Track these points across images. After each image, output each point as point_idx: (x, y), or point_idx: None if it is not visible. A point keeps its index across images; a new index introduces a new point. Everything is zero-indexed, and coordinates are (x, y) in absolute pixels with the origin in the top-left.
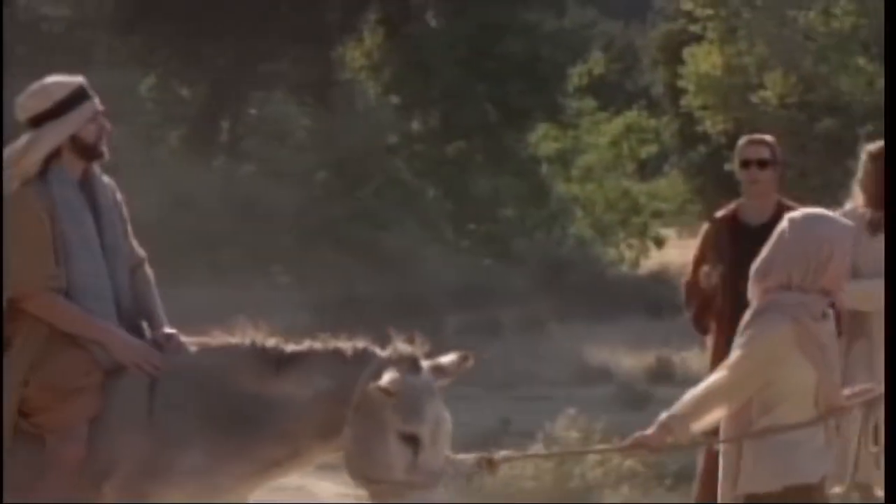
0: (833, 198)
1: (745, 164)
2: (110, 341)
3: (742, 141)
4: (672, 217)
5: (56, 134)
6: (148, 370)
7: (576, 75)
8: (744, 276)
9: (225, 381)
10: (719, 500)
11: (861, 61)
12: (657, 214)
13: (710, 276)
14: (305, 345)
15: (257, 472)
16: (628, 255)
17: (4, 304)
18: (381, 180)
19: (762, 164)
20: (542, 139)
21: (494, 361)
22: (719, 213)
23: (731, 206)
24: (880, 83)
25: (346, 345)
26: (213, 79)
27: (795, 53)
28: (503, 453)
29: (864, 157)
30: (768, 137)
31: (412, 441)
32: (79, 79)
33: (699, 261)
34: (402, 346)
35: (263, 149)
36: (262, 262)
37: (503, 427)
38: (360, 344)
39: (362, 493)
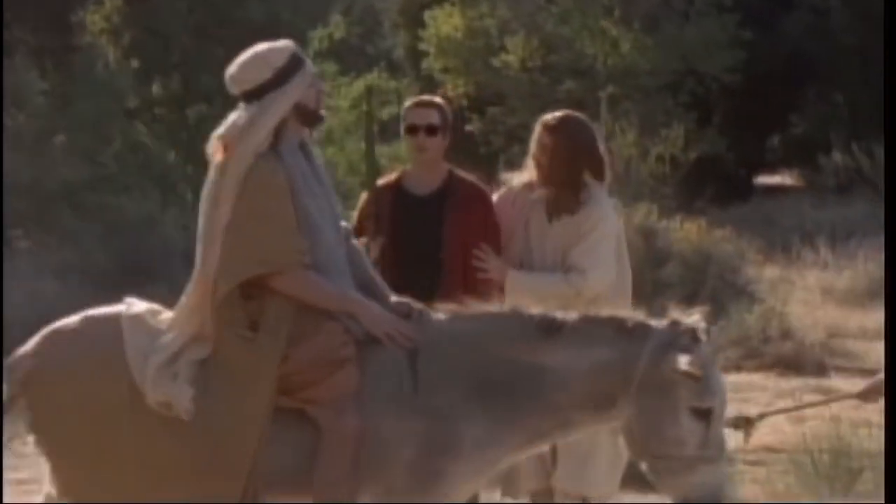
0: None
1: (412, 129)
2: (362, 313)
3: (408, 103)
4: None
5: (282, 103)
6: (401, 341)
7: (316, 39)
8: (407, 250)
9: (489, 349)
10: None
11: (604, 24)
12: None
13: (370, 249)
14: (575, 313)
15: (525, 444)
16: None
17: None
18: (122, 145)
19: (431, 129)
20: None
21: None
22: (381, 181)
23: (396, 173)
24: (624, 46)
25: (624, 315)
26: None
27: (537, 16)
28: (759, 412)
29: (538, 128)
30: (438, 99)
31: (705, 415)
32: (290, 43)
33: (357, 232)
34: (683, 319)
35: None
36: None
37: None
38: (638, 316)
39: None
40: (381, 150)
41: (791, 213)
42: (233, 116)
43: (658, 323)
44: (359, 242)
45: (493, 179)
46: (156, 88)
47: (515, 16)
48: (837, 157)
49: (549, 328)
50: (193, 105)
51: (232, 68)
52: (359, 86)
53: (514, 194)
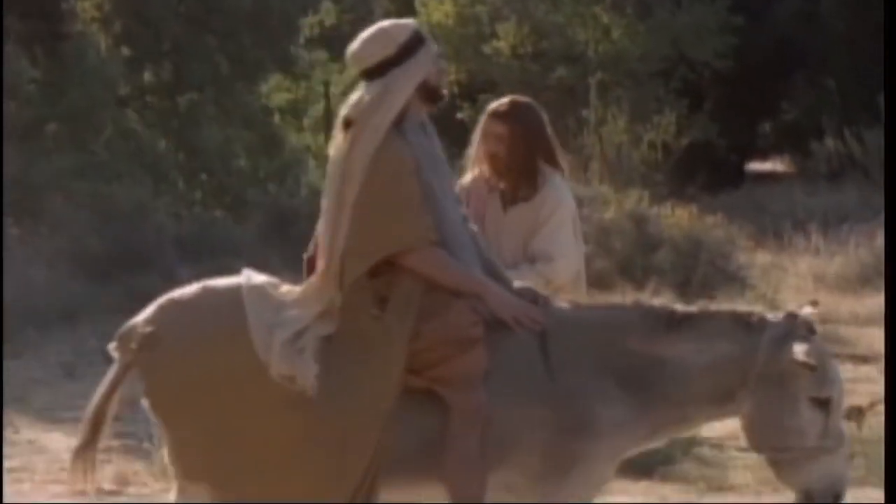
0: (565, 146)
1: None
2: (490, 295)
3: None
4: None
5: (409, 80)
6: (529, 325)
7: (307, 26)
8: None
9: (614, 340)
10: None
11: (595, 10)
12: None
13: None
14: (695, 307)
15: (647, 437)
16: None
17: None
18: (113, 133)
19: None
20: (275, 90)
21: None
22: None
23: None
24: (615, 32)
25: (742, 309)
26: None
27: (528, 3)
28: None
29: (486, 118)
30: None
31: (824, 405)
32: (412, 21)
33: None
34: (797, 311)
35: None
36: None
37: None
38: (753, 310)
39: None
40: None
41: (782, 199)
42: (355, 95)
43: (774, 315)
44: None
45: None
46: (147, 76)
47: (506, 3)
48: (829, 143)
49: (671, 321)
50: (185, 93)
51: (354, 45)
52: (350, 73)
53: (468, 192)
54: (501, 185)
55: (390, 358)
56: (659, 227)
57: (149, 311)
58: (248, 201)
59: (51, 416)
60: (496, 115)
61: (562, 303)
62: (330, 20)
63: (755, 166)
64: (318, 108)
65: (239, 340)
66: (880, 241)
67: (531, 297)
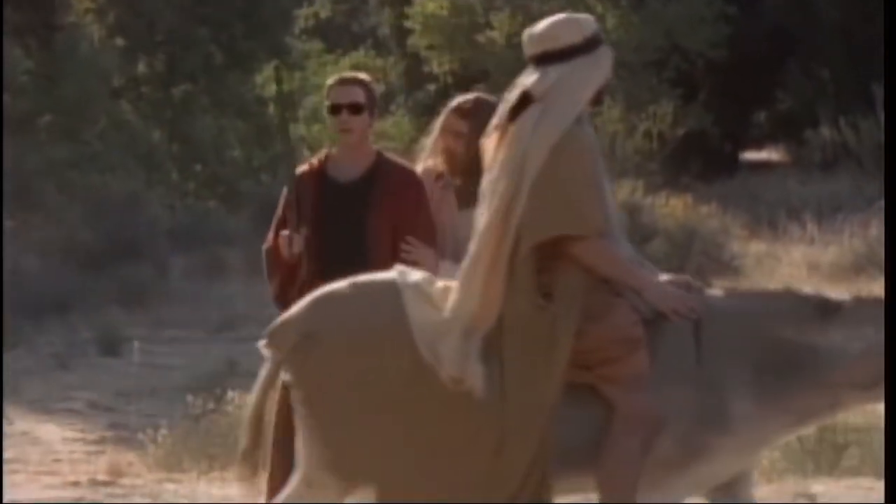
0: None
1: (335, 108)
2: (649, 288)
3: (330, 81)
4: (399, 155)
5: (598, 70)
6: (686, 315)
7: (302, 17)
8: (333, 242)
9: (765, 328)
10: None
11: (589, 0)
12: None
13: (293, 241)
14: (847, 294)
15: (794, 424)
16: None
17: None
18: (107, 124)
19: (355, 108)
20: (268, 81)
21: (217, 304)
22: (302, 168)
23: (319, 157)
24: (609, 22)
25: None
26: None
27: None
28: None
29: (448, 113)
30: (363, 76)
31: None
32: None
33: (280, 224)
34: None
35: None
36: None
37: (230, 369)
38: None
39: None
40: None
41: (777, 188)
42: (533, 77)
43: None
44: (280, 235)
45: None
46: (141, 67)
47: None
48: (824, 132)
49: (826, 309)
50: (178, 84)
51: (540, 27)
52: (344, 63)
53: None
54: (457, 182)
55: (555, 355)
56: (653, 216)
57: (301, 307)
58: (242, 192)
59: (44, 408)
60: (458, 112)
61: (715, 290)
62: (325, 11)
63: (750, 155)
64: (312, 99)
65: (400, 338)
66: (874, 230)
67: (685, 285)
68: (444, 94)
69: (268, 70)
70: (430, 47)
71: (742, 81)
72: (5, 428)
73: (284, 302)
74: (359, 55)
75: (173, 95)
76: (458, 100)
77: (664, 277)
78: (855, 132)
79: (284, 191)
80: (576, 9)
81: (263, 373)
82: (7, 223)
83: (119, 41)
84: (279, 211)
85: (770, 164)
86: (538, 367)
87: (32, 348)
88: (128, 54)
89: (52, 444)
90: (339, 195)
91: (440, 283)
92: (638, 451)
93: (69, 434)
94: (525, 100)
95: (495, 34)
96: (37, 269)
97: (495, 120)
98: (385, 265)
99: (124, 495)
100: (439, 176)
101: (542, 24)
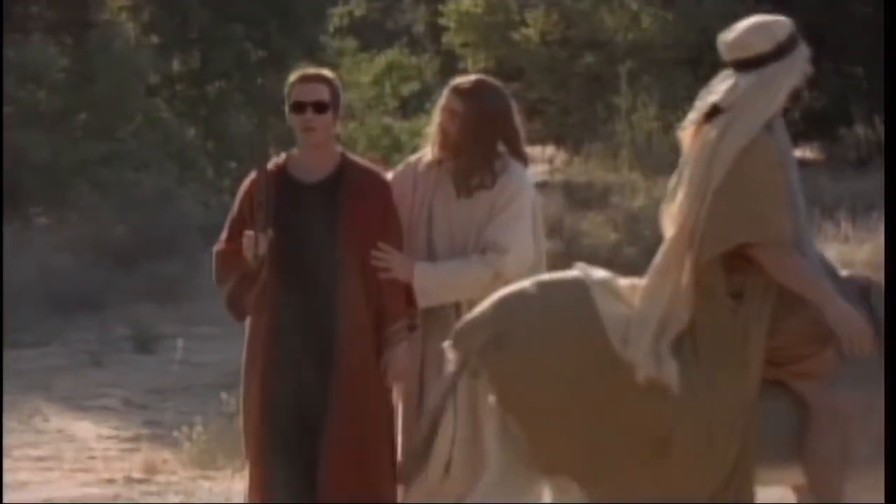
0: (594, 133)
1: (298, 107)
2: (830, 307)
3: (293, 77)
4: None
5: (788, 77)
6: (859, 346)
7: (336, 16)
8: (297, 247)
9: None
10: None
11: None
12: (419, 151)
13: (258, 242)
14: None
15: None
16: None
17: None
18: (141, 121)
19: (319, 106)
20: None
21: None
22: (266, 166)
23: (281, 157)
24: (644, 20)
25: None
26: None
27: None
28: None
29: (447, 93)
30: (326, 72)
31: None
32: (789, 20)
33: (237, 225)
34: None
35: (20, 91)
36: (17, 204)
37: None
38: None
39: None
40: (402, 126)
41: (810, 186)
42: (725, 83)
43: None
44: (244, 235)
45: None
46: (175, 65)
47: None
48: (858, 129)
49: None
50: (213, 81)
51: (732, 34)
52: (379, 62)
53: (415, 173)
54: (452, 168)
55: (749, 352)
56: None
57: (486, 308)
58: None
59: (78, 405)
60: (456, 91)
61: None
62: (359, 9)
63: None
64: (347, 97)
65: (592, 335)
66: None
67: (866, 282)
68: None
69: (302, 68)
70: (465, 45)
71: None
72: (41, 425)
73: (240, 307)
74: (393, 53)
75: (208, 93)
76: (459, 80)
77: (844, 273)
78: None
79: (241, 191)
80: (610, 7)
81: (447, 375)
82: (40, 220)
83: (153, 38)
84: (234, 212)
85: (803, 162)
86: (733, 366)
87: (65, 345)
88: (162, 52)
89: (86, 442)
90: (304, 198)
91: (625, 280)
92: (840, 448)
93: (104, 431)
94: (715, 111)
95: (530, 32)
96: (70, 265)
97: (692, 115)
98: (356, 273)
99: (159, 493)
100: (439, 162)
101: (734, 30)
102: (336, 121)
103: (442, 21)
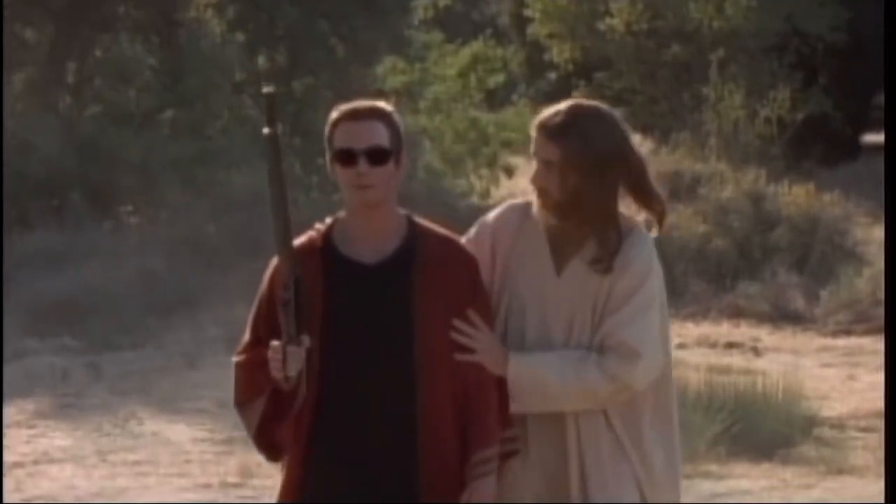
0: (683, 123)
1: (346, 156)
2: None
3: (335, 113)
4: (521, 146)
5: None
6: None
7: (421, 8)
8: (356, 348)
9: None
10: None
11: None
12: (506, 144)
13: (287, 356)
14: None
15: None
16: (478, 185)
17: None
18: (229, 119)
19: (377, 154)
20: (390, 73)
21: None
22: (299, 241)
23: (321, 227)
24: (729, 8)
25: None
26: (56, 21)
27: None
28: None
29: (535, 132)
30: (383, 105)
31: None
32: None
33: (264, 324)
34: None
35: (109, 90)
36: (109, 204)
37: None
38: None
39: (219, 437)
40: (489, 119)
41: None
42: None
43: None
44: (270, 347)
45: None
46: (262, 62)
47: None
48: None
49: None
50: (300, 77)
51: None
52: (465, 54)
53: (493, 238)
54: (555, 234)
55: None
56: (776, 204)
57: None
58: None
59: (173, 407)
60: (544, 131)
61: None
62: (444, 1)
63: (872, 138)
64: (433, 90)
65: None
66: None
67: None
68: (566, 83)
69: (388, 62)
70: (551, 36)
71: (862, 64)
72: (136, 428)
73: (273, 443)
74: (478, 45)
75: (295, 89)
76: (546, 113)
77: None
78: None
79: (265, 278)
80: None
81: None
82: (132, 220)
83: (240, 36)
84: (256, 307)
85: None
86: None
87: (160, 347)
88: (249, 49)
89: (181, 445)
90: (361, 284)
91: None
92: None
93: (198, 434)
94: None
95: (615, 22)
96: (163, 266)
97: None
98: (437, 376)
99: (255, 497)
100: (536, 222)
101: None
102: (400, 172)
103: (527, 12)
